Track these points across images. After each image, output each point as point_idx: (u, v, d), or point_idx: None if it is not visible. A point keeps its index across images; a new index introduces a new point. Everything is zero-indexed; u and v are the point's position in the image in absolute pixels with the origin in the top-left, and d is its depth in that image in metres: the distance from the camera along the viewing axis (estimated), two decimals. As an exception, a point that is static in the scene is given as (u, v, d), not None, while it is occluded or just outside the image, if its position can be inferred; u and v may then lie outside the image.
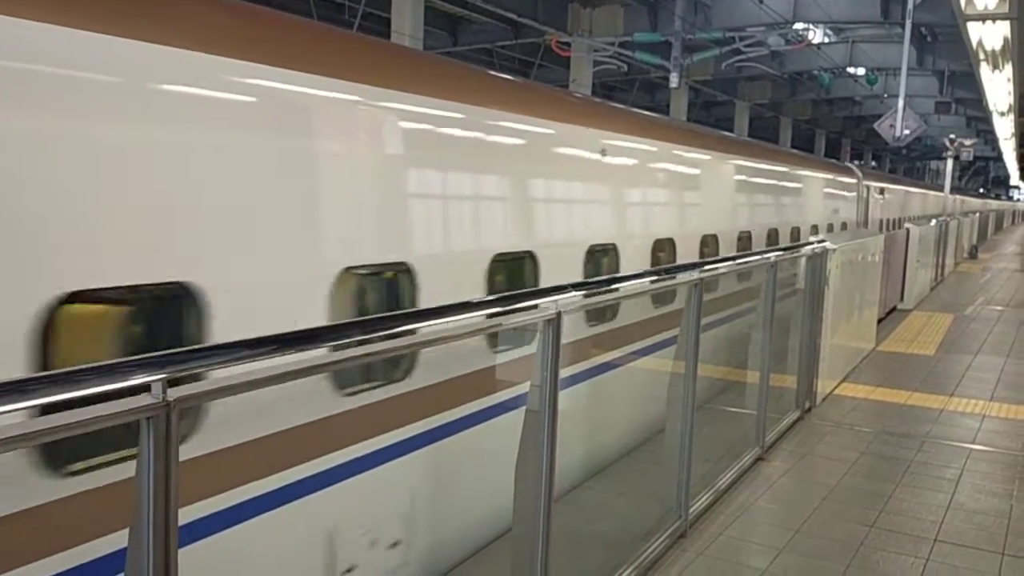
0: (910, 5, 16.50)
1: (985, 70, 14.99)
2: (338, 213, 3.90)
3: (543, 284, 5.21)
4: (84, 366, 1.82)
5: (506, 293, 3.42)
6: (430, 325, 2.94)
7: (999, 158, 47.22)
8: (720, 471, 5.62)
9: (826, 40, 23.53)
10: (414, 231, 4.40)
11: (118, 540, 2.31)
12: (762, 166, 11.03)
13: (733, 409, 6.86)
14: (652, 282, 4.79)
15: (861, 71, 25.99)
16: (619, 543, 4.66)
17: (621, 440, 6.40)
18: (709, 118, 33.18)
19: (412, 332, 2.90)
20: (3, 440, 1.57)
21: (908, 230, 14.46)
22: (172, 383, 1.89)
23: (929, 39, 23.57)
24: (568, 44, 19.61)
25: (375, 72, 4.22)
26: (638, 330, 6.77)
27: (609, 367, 6.34)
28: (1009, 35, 11.82)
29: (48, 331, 2.67)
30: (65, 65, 2.81)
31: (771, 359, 6.31)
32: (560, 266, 5.61)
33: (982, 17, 10.86)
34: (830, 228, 13.97)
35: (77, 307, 2.78)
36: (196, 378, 2.06)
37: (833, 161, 19.03)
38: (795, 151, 17.56)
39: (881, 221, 19.20)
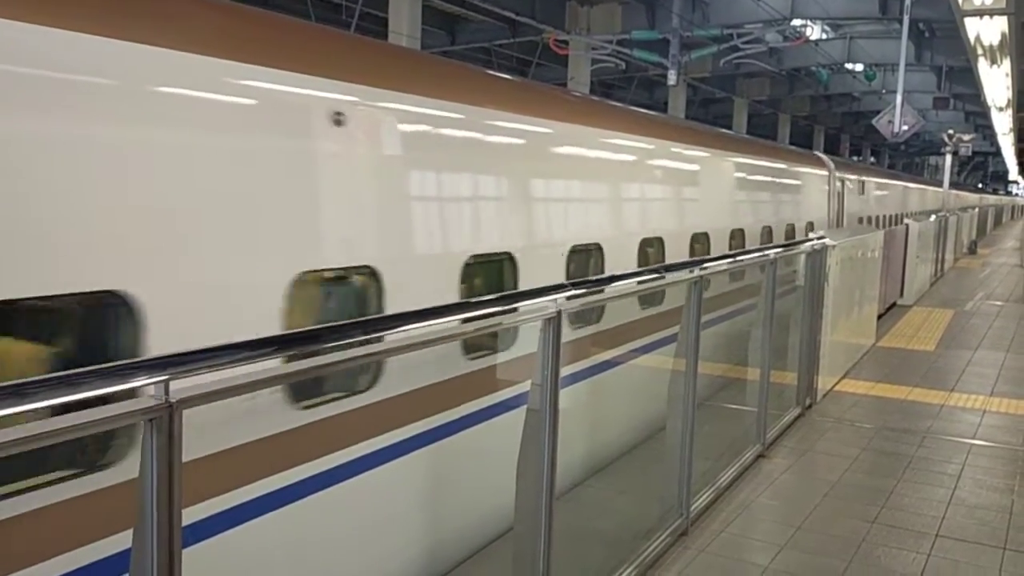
0: (907, 1, 16.51)
1: (983, 65, 15.01)
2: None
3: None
4: (85, 369, 1.82)
5: (505, 292, 3.42)
6: (430, 325, 2.94)
7: (998, 153, 47.24)
8: (721, 468, 5.63)
9: (824, 36, 23.55)
10: (373, 234, 4.11)
11: None
12: (691, 152, 8.71)
13: (734, 406, 6.86)
14: (640, 282, 4.72)
15: (859, 67, 26.02)
16: (620, 541, 4.66)
17: (619, 438, 6.40)
18: (707, 115, 33.21)
19: (413, 332, 2.90)
20: (4, 443, 1.57)
21: (908, 226, 14.46)
22: (174, 384, 1.90)
23: (927, 35, 23.58)
24: (566, 42, 19.63)
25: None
26: (619, 336, 6.43)
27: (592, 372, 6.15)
28: (1007, 30, 11.84)
29: None
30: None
31: (771, 356, 6.31)
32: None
33: (979, 12, 10.87)
34: (790, 232, 11.51)
35: None
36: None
37: (795, 148, 15.73)
38: (746, 136, 15.05)
39: (861, 220, 16.73)
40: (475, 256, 4.78)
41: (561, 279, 5.42)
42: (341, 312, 4.00)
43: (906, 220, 16.02)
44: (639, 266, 6.75)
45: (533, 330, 3.35)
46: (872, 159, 51.94)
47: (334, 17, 18.94)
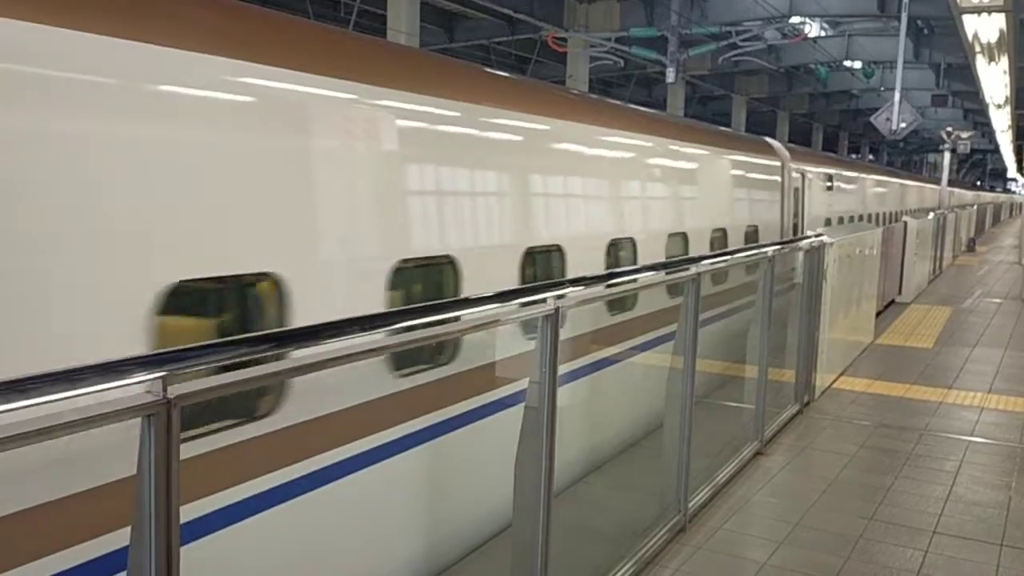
0: (906, -2, 16.52)
1: (981, 63, 15.02)
2: None
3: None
4: (84, 364, 1.82)
5: (503, 290, 3.42)
6: (427, 322, 2.94)
7: (996, 150, 47.29)
8: (719, 465, 5.64)
9: (823, 34, 23.53)
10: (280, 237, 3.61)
11: None
12: (588, 132, 6.44)
13: (732, 404, 6.87)
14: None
15: (858, 64, 26.00)
16: (618, 537, 4.66)
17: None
18: (706, 113, 33.21)
19: (411, 329, 2.91)
20: (1, 439, 1.57)
21: (906, 223, 14.46)
22: (172, 380, 1.90)
23: (925, 32, 23.58)
24: (564, 40, 19.62)
25: None
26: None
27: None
28: (1004, 27, 11.84)
29: None
30: None
31: (770, 353, 6.32)
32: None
33: (977, 10, 10.88)
34: (717, 240, 8.72)
35: None
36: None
37: (734, 132, 12.71)
38: (658, 113, 10.80)
39: (831, 223, 13.90)
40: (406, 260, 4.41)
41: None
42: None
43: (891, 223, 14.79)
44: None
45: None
46: (871, 156, 51.94)
47: (332, 14, 18.93)
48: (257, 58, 3.55)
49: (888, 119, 17.58)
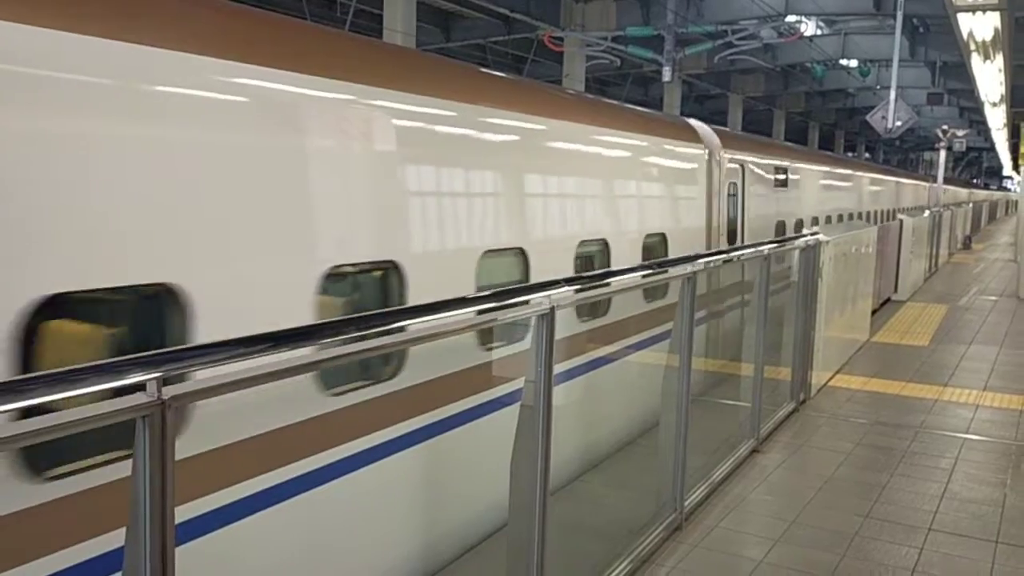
0: (901, -3, 16.54)
1: (976, 61, 15.04)
2: None
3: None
4: (79, 366, 1.83)
5: (500, 289, 3.43)
6: (424, 321, 2.95)
7: (992, 148, 47.33)
8: (715, 463, 5.65)
9: (818, 32, 23.54)
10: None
11: None
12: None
13: (728, 402, 6.88)
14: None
15: (854, 63, 26.03)
16: (615, 536, 4.67)
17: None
18: (703, 111, 33.22)
19: (405, 329, 2.91)
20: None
21: (901, 221, 14.48)
22: (167, 382, 1.90)
23: (921, 30, 23.62)
24: (561, 39, 19.62)
25: None
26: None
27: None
28: (999, 26, 11.86)
29: None
30: None
31: (765, 351, 6.33)
32: None
33: (972, 8, 10.89)
34: (593, 257, 6.33)
35: None
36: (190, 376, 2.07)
37: (635, 110, 8.75)
38: (543, 84, 8.01)
39: (784, 227, 11.43)
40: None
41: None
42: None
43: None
44: None
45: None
46: (867, 155, 52.00)
47: (329, 14, 18.91)
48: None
49: (884, 117, 17.60)
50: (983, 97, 20.98)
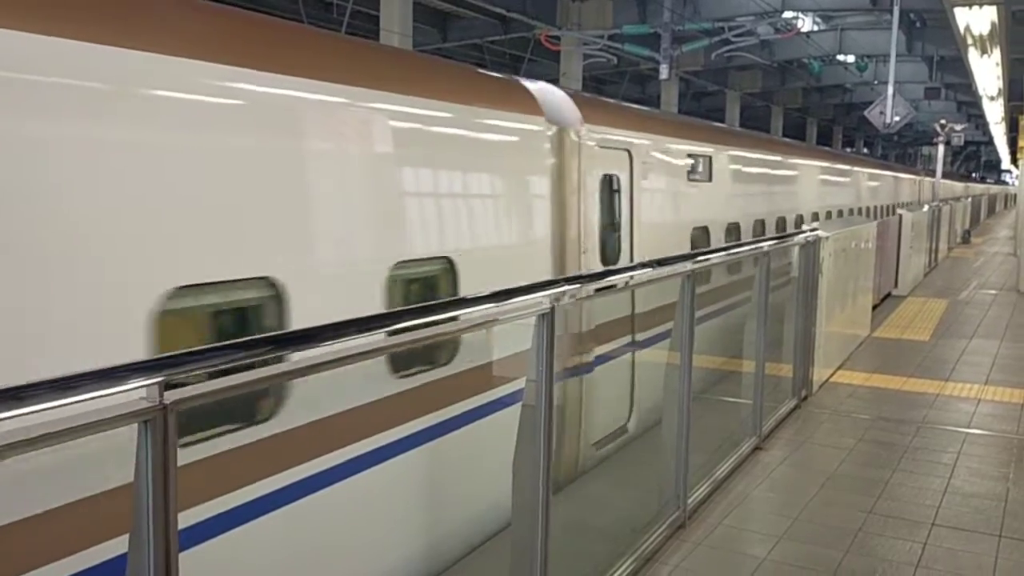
0: (898, -8, 16.54)
1: (973, 55, 15.04)
2: None
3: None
4: (80, 371, 1.82)
5: (499, 289, 3.42)
6: (424, 322, 2.95)
7: (990, 142, 47.36)
8: (718, 461, 5.65)
9: (815, 28, 23.56)
10: None
11: None
12: None
13: (730, 399, 6.88)
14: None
15: (851, 58, 26.03)
16: (618, 535, 4.67)
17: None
18: (700, 109, 33.22)
19: (408, 330, 2.91)
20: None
21: (900, 216, 14.47)
22: (168, 386, 1.90)
23: (918, 25, 23.63)
24: (557, 38, 19.62)
25: None
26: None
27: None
28: (996, 20, 11.87)
29: None
30: None
31: (767, 348, 6.33)
32: None
33: (968, 3, 10.90)
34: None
35: None
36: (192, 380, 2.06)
37: (429, 59, 5.95)
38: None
39: (703, 239, 8.58)
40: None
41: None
42: None
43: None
44: None
45: None
46: (865, 150, 51.97)
47: (325, 16, 18.90)
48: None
49: (882, 113, 17.61)
50: (981, 91, 20.99)
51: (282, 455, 3.60)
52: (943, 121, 23.26)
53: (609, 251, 6.64)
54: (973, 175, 72.97)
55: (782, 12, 19.66)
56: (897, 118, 17.48)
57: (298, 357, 2.41)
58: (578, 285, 3.89)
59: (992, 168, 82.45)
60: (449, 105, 4.92)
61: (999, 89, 20.03)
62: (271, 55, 3.85)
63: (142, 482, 1.83)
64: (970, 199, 32.17)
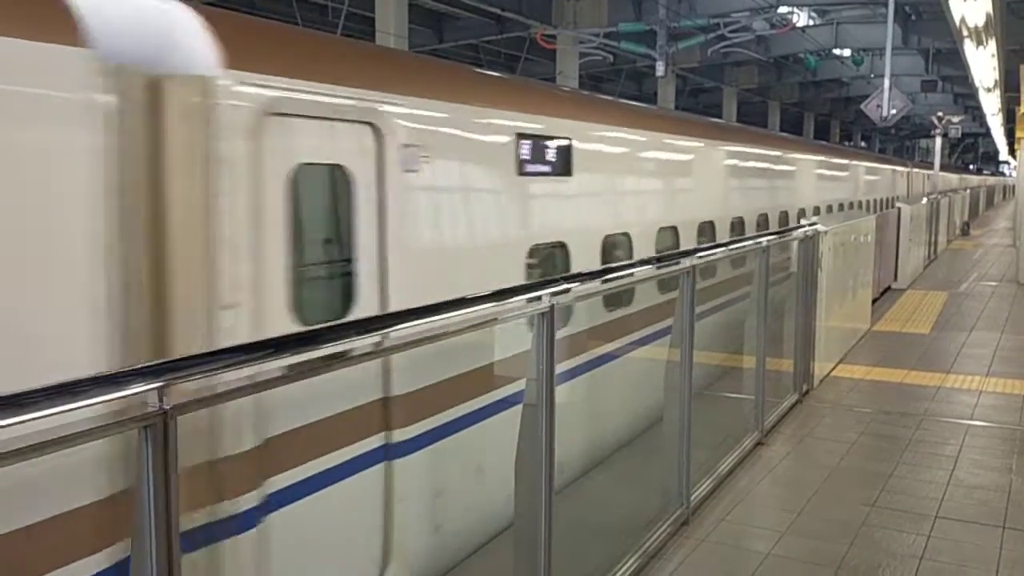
0: (893, -16, 16.52)
1: (969, 47, 15.05)
2: None
3: None
4: (81, 377, 1.82)
5: (499, 288, 3.42)
6: (424, 323, 2.95)
7: (988, 134, 47.37)
8: (720, 457, 5.65)
9: (811, 23, 23.57)
10: None
11: None
12: None
13: (731, 395, 6.88)
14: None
15: (847, 52, 26.03)
16: (622, 532, 4.67)
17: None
18: (697, 105, 33.24)
19: (407, 330, 2.90)
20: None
21: (899, 209, 14.46)
22: (169, 391, 1.89)
23: (913, 17, 23.62)
24: (553, 37, 19.61)
25: None
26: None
27: None
28: (991, 11, 11.86)
29: None
30: None
31: (767, 343, 6.33)
32: None
33: (964, -6, 10.89)
34: None
35: None
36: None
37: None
38: None
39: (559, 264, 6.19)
40: None
41: None
42: None
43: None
44: None
45: None
46: (863, 143, 51.96)
47: (320, 18, 18.90)
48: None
49: (879, 106, 17.59)
50: (977, 83, 21.00)
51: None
52: (940, 113, 23.23)
53: (318, 299, 4.02)
54: (970, 167, 72.92)
55: (777, 7, 19.67)
56: (894, 111, 17.46)
57: (298, 360, 2.41)
58: (577, 284, 3.88)
59: (990, 160, 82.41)
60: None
61: (995, 80, 20.04)
62: None
63: (144, 487, 1.83)
64: (968, 191, 32.16)
